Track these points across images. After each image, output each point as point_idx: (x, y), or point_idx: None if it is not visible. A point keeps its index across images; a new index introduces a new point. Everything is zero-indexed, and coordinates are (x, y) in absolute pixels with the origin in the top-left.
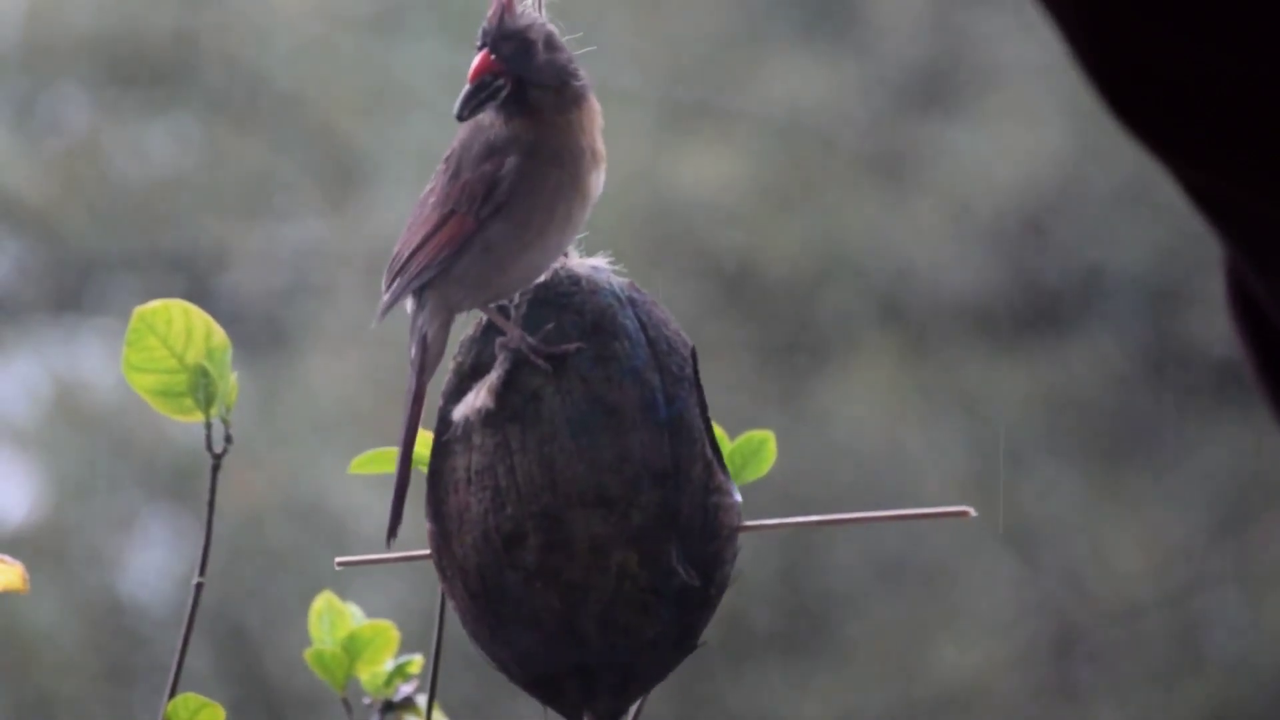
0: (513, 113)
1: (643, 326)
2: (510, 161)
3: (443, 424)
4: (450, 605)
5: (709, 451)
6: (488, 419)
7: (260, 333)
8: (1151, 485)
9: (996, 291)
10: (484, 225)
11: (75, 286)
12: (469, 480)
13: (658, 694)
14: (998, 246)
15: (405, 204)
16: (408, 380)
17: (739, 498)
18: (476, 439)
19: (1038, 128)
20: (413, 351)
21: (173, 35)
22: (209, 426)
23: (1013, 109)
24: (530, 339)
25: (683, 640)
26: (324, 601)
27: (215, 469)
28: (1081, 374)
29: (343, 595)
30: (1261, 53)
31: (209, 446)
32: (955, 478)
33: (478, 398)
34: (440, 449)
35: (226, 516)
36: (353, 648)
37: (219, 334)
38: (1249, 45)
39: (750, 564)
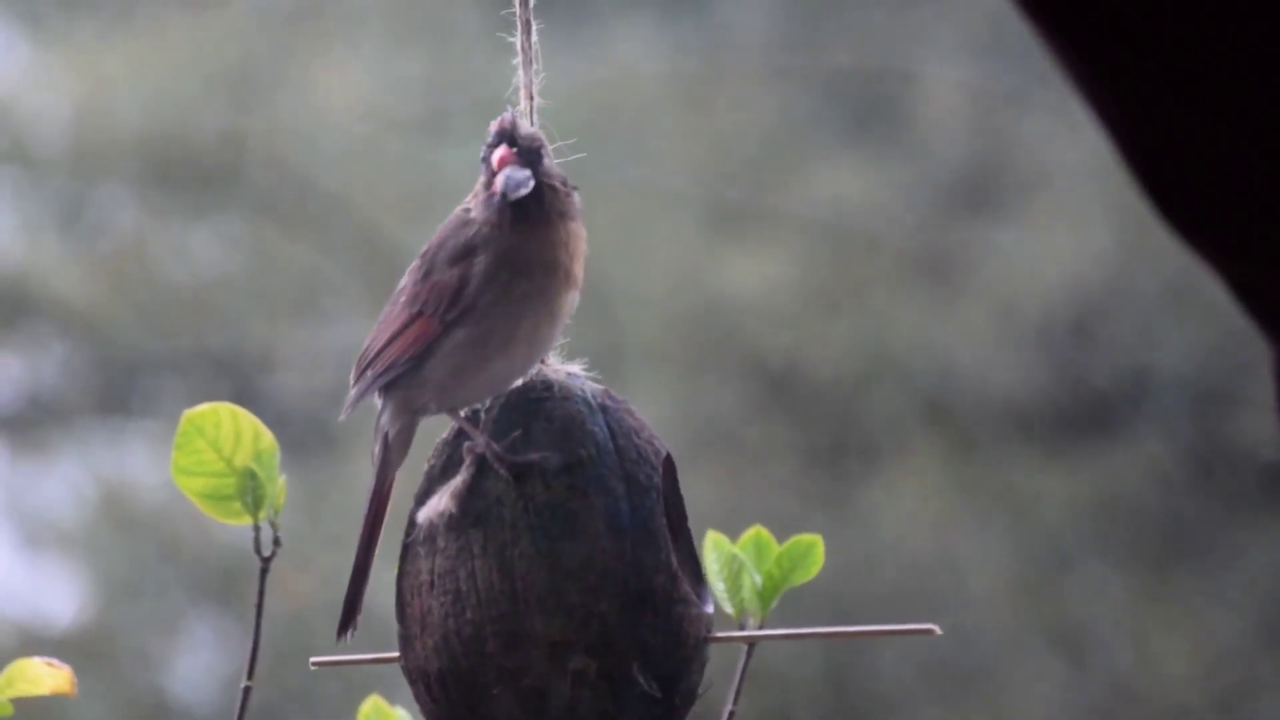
0: (517, 213)
1: (612, 434)
2: (479, 263)
3: (409, 526)
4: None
5: (674, 561)
6: (451, 523)
7: (307, 434)
8: (1200, 588)
9: (1043, 393)
10: (449, 330)
11: (122, 388)
12: (432, 584)
13: None
14: (1044, 348)
15: None
16: (369, 479)
17: (710, 608)
18: (440, 542)
19: (1083, 229)
20: (376, 450)
21: (219, 138)
22: (257, 529)
23: (1058, 211)
24: (495, 446)
25: None
26: (371, 705)
27: (264, 572)
28: (1129, 476)
29: (390, 698)
30: None
31: (257, 549)
32: (1002, 580)
33: (441, 501)
34: (405, 551)
35: (273, 618)
36: None
37: (267, 437)
38: None
39: (794, 665)
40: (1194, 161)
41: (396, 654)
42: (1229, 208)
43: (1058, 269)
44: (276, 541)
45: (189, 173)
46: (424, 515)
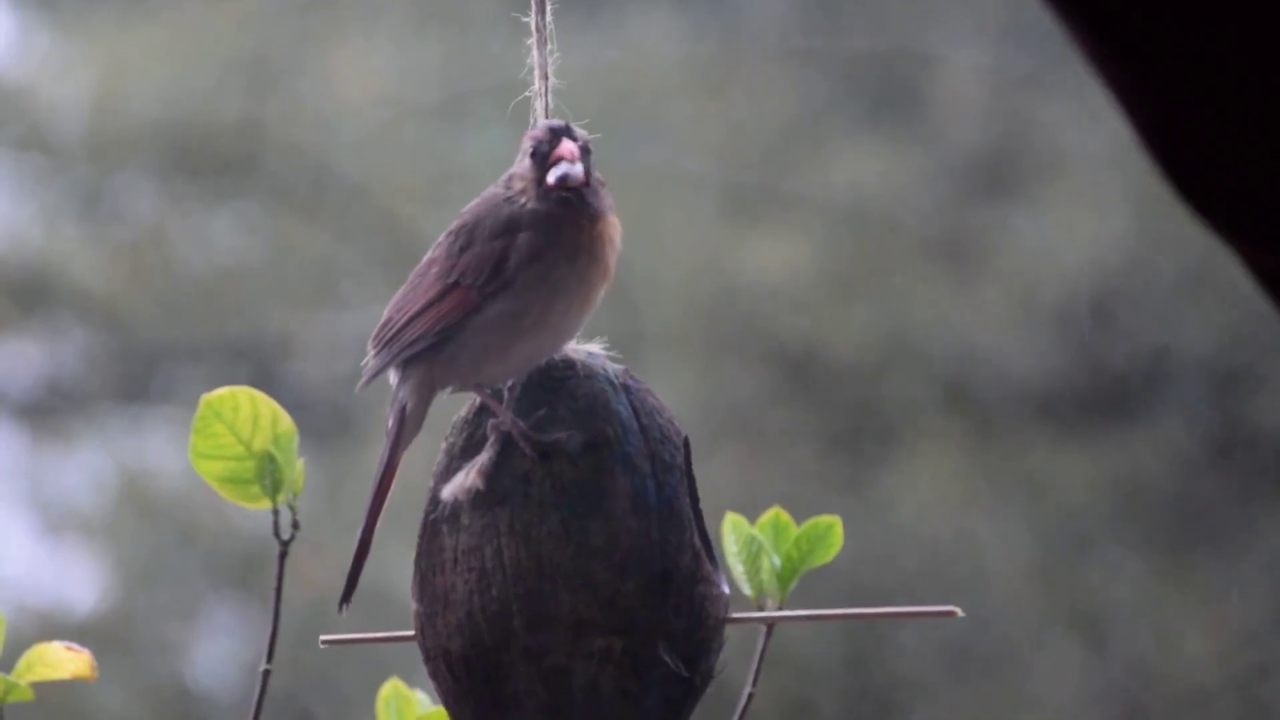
0: (574, 203)
1: (635, 413)
2: (522, 239)
3: (431, 503)
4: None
5: (698, 541)
6: (477, 500)
7: (326, 420)
8: (1219, 570)
9: (1062, 376)
10: (485, 302)
11: (141, 375)
12: (455, 561)
13: None
14: (1063, 331)
15: None
16: (382, 451)
17: (727, 589)
18: (465, 519)
19: (1102, 212)
20: (390, 423)
21: (238, 125)
22: (276, 513)
23: (1077, 194)
24: (521, 424)
25: None
26: (391, 688)
27: (282, 555)
28: (1148, 459)
29: (409, 681)
30: None
31: (276, 533)
32: (1021, 563)
33: (468, 478)
34: (428, 528)
35: (292, 603)
36: None
37: (285, 420)
38: None
39: (814, 649)
40: (1213, 148)
41: (411, 633)
42: (1248, 194)
43: (1076, 252)
44: (295, 525)
45: (207, 160)
46: (449, 492)
